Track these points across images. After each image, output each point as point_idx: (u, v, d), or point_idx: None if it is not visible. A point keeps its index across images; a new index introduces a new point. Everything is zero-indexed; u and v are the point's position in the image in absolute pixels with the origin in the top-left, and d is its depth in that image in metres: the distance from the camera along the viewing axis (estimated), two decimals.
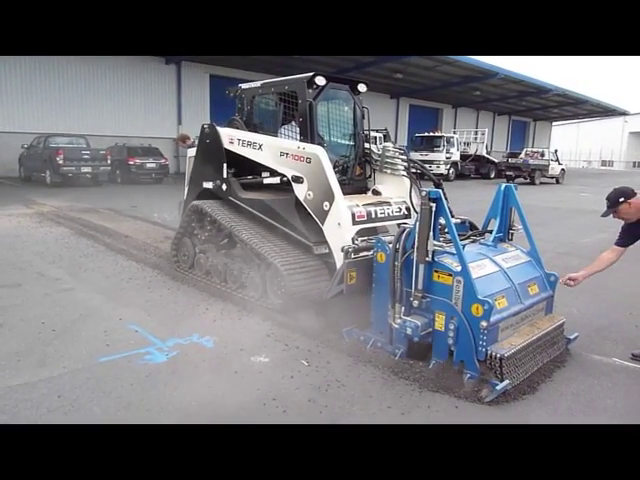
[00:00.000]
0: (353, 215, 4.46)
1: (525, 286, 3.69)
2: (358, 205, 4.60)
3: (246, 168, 5.43)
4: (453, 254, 3.39)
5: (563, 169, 28.72)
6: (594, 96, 38.54)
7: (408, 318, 3.45)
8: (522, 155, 28.80)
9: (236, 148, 5.36)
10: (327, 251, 4.59)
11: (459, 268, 3.31)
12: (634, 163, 61.79)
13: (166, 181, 19.06)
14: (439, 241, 3.37)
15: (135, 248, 7.61)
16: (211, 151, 5.60)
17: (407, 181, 4.97)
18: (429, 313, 3.45)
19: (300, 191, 4.74)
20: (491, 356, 3.22)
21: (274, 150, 4.98)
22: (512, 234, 4.12)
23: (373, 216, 4.66)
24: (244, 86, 5.67)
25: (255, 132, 5.41)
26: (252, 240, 4.85)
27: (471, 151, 28.95)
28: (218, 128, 5.58)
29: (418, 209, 4.91)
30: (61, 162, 15.62)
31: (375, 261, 3.71)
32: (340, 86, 5.17)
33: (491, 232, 4.09)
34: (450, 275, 3.32)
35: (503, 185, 4.08)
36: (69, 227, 9.20)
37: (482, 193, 16.91)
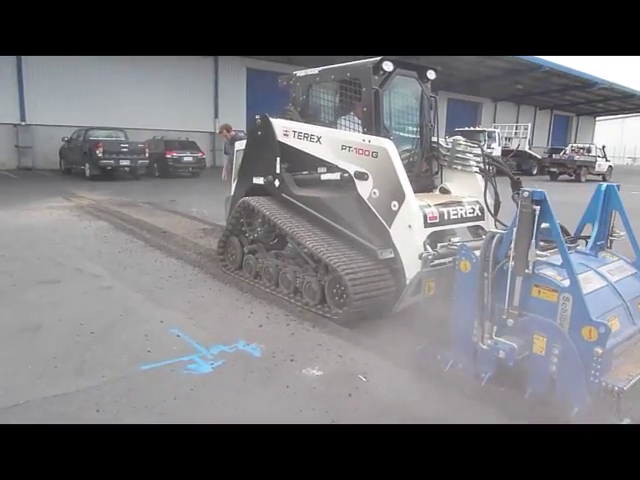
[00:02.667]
0: (425, 216, 4.01)
1: (636, 303, 3.16)
2: (429, 205, 4.14)
3: (300, 163, 5.02)
4: (555, 265, 2.91)
5: (610, 166, 27.41)
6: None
7: (501, 339, 2.96)
8: (567, 151, 27.61)
9: (291, 141, 4.94)
10: (392, 255, 4.16)
11: (567, 283, 2.80)
12: None
13: (203, 175, 18.96)
14: (541, 250, 2.88)
15: (174, 244, 7.37)
16: (263, 144, 5.20)
17: (480, 179, 4.50)
18: (526, 334, 2.94)
19: (364, 189, 4.29)
20: (606, 389, 2.70)
21: (335, 143, 4.53)
22: (612, 242, 3.61)
23: (445, 218, 4.19)
24: (299, 74, 5.25)
25: (311, 124, 4.99)
26: (310, 242, 4.43)
27: (513, 146, 27.89)
28: (271, 119, 5.16)
29: (492, 210, 4.50)
30: (100, 155, 15.65)
31: (457, 270, 3.23)
32: (408, 72, 4.68)
33: (587, 239, 3.58)
34: (555, 291, 2.82)
35: (604, 185, 3.52)
36: (108, 221, 9.06)
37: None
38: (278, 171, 5.03)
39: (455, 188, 4.67)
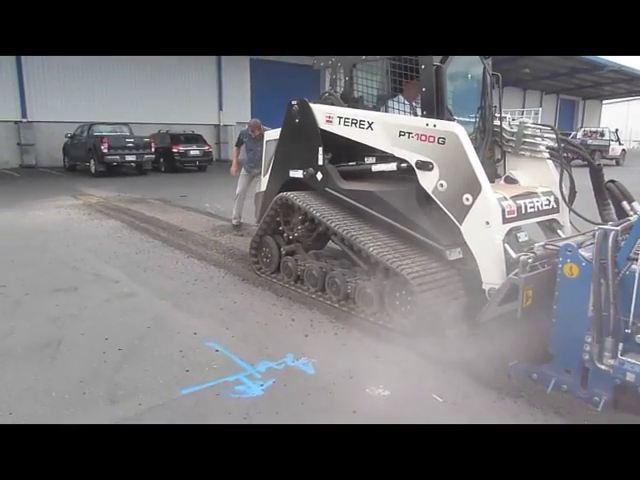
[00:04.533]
0: (503, 211, 3.52)
1: None
2: (506, 198, 3.64)
3: (345, 153, 4.52)
4: None
5: (624, 149, 26.84)
6: None
7: (630, 359, 2.47)
8: (579, 135, 26.96)
9: (336, 128, 4.40)
10: (461, 256, 3.69)
11: None
12: None
13: (210, 169, 18.45)
14: None
15: (193, 243, 6.90)
16: (302, 133, 4.68)
17: (552, 166, 4.00)
18: None
19: (428, 180, 3.77)
20: None
21: (390, 129, 3.99)
22: None
23: (523, 212, 3.69)
24: None
25: (355, 109, 4.46)
26: (365, 243, 3.92)
27: None
28: (312, 105, 4.64)
29: (568, 200, 4.00)
30: (105, 151, 15.14)
31: (561, 275, 2.75)
32: None
33: None
34: None
35: None
36: (120, 219, 8.59)
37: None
38: (321, 163, 4.52)
39: (523, 177, 4.16)
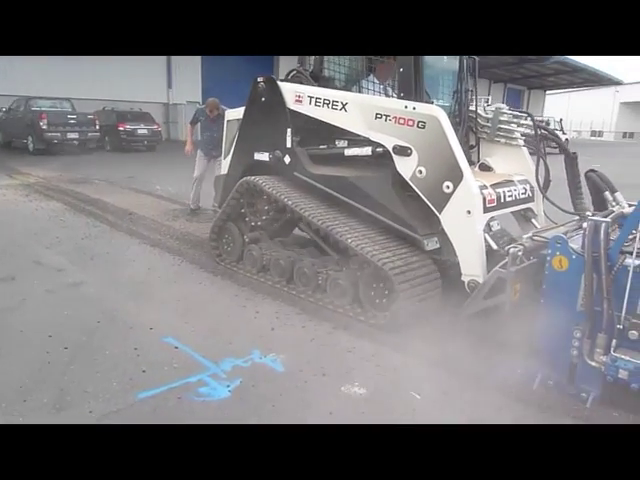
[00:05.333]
0: (484, 200, 3.37)
1: None
2: (486, 186, 3.50)
3: (315, 135, 4.23)
4: None
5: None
6: (589, 64, 37.54)
7: (623, 356, 2.39)
8: None
9: (306, 109, 4.11)
10: (438, 246, 3.52)
11: None
12: (624, 134, 61.18)
13: (159, 148, 17.65)
14: None
15: (145, 228, 6.46)
16: (268, 113, 4.34)
17: (527, 153, 3.89)
18: None
19: (406, 166, 3.57)
20: None
21: (366, 111, 3.74)
22: None
23: (502, 200, 3.57)
24: None
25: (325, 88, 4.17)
26: (342, 234, 3.66)
27: None
28: (279, 83, 4.32)
29: (541, 188, 3.91)
30: (45, 127, 14.09)
31: (549, 268, 2.64)
32: None
33: None
34: None
35: None
36: (62, 201, 7.97)
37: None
38: (289, 145, 4.23)
39: (498, 164, 4.04)
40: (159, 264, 5.04)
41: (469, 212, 3.27)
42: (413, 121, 3.45)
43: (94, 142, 15.88)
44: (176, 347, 3.34)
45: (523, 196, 3.83)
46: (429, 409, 2.76)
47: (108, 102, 18.17)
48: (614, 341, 2.40)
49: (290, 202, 3.94)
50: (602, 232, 2.43)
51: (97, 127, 15.49)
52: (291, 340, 3.52)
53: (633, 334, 2.36)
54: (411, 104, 3.50)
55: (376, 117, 3.66)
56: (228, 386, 2.91)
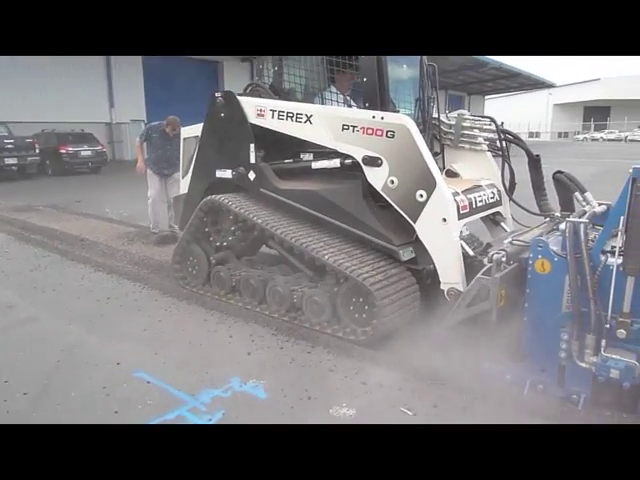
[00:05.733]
0: (457, 207, 3.35)
1: None
2: (458, 193, 3.48)
3: (278, 150, 4.12)
4: None
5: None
6: (524, 69, 39.40)
7: (613, 355, 2.40)
8: None
9: (269, 122, 3.99)
10: (414, 255, 3.47)
11: None
12: (559, 134, 64.43)
13: (105, 170, 17.02)
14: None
15: (99, 254, 6.12)
16: (229, 128, 4.19)
17: (490, 158, 3.93)
18: (637, 345, 2.42)
19: (377, 177, 3.51)
20: None
21: (333, 122, 3.66)
22: None
23: (474, 206, 3.57)
24: None
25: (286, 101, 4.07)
26: (318, 250, 3.54)
27: None
28: (240, 97, 4.17)
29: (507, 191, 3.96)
30: None
31: (532, 272, 2.64)
32: None
33: None
34: None
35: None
36: (5, 231, 7.47)
37: None
38: (253, 161, 4.08)
39: (464, 170, 4.06)
40: (118, 292, 4.77)
41: (444, 220, 3.25)
42: (382, 131, 3.41)
43: (34, 167, 15.12)
44: (148, 382, 3.13)
45: (492, 200, 3.86)
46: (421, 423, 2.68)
47: (48, 124, 17.39)
48: (603, 341, 2.41)
49: (260, 220, 3.79)
50: (582, 233, 2.45)
51: (37, 151, 14.79)
52: (270, 363, 3.38)
53: (621, 333, 2.38)
54: (379, 114, 3.46)
55: (343, 128, 3.59)
56: (210, 420, 2.74)
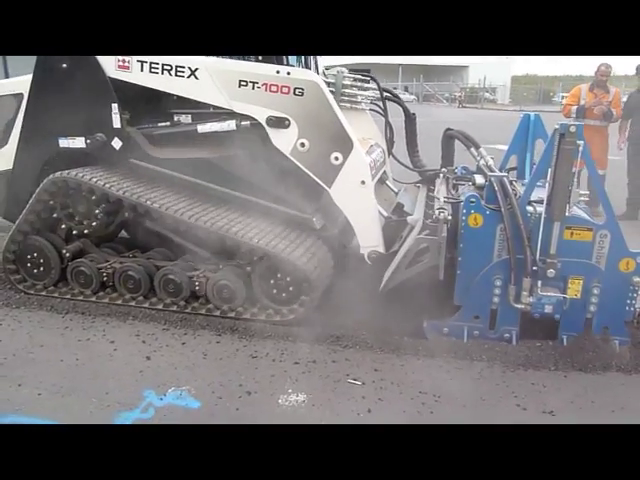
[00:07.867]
0: (370, 168, 3.25)
1: None
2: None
3: (145, 111, 3.42)
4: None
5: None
6: None
7: (547, 293, 2.69)
8: None
9: (136, 77, 3.24)
10: (324, 222, 3.31)
11: (601, 220, 2.72)
12: None
13: None
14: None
15: None
16: (76, 84, 3.29)
17: (370, 117, 3.88)
18: (559, 281, 2.74)
19: (284, 140, 3.16)
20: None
21: (226, 77, 3.13)
22: None
23: (374, 166, 3.50)
24: None
25: None
26: (229, 229, 3.11)
27: None
28: None
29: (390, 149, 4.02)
30: None
31: (465, 227, 2.75)
32: None
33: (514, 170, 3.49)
34: (590, 230, 2.67)
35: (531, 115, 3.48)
36: None
37: None
38: (118, 125, 3.29)
39: None
40: None
41: (363, 182, 3.15)
42: (288, 88, 3.08)
43: None
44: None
45: (381, 160, 3.90)
46: (373, 393, 2.65)
47: None
48: (539, 282, 2.71)
49: (144, 200, 3.11)
50: (508, 186, 2.67)
51: None
52: (182, 364, 2.91)
53: (551, 272, 2.71)
54: (284, 68, 3.12)
55: (240, 85, 3.14)
56: None
